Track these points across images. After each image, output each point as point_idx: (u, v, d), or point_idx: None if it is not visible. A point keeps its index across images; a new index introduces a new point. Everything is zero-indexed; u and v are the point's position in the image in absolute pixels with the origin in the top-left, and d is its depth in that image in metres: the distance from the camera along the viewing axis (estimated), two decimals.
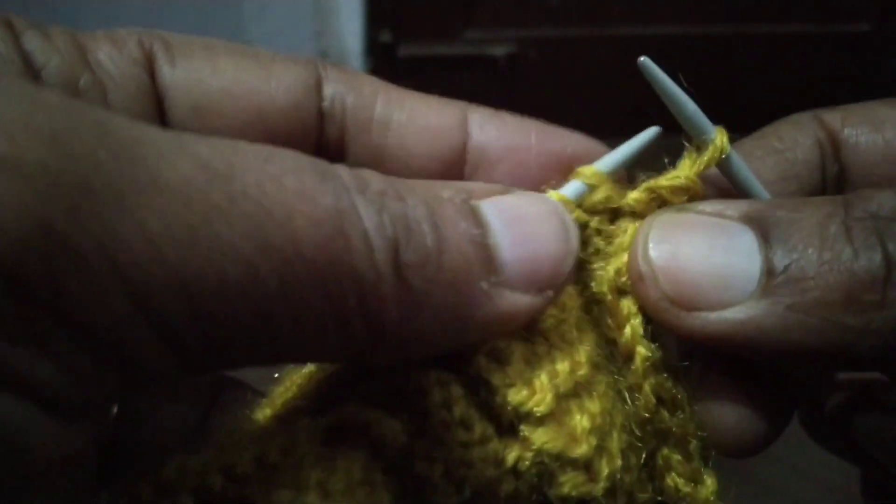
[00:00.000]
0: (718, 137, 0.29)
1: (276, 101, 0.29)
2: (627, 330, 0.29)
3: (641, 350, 0.29)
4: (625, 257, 0.29)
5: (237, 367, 0.21)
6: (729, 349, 0.28)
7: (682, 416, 0.29)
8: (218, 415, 0.29)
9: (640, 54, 0.28)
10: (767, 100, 2.05)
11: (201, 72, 0.28)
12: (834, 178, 0.33)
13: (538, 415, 0.25)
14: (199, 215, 0.17)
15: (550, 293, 0.25)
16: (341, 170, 0.21)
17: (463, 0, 1.88)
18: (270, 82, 0.29)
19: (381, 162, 0.30)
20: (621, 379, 0.29)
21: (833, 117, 0.33)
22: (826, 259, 0.26)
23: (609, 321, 0.29)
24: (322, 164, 0.21)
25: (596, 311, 0.29)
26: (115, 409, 0.28)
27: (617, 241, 0.30)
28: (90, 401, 0.18)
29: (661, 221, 0.29)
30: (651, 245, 0.28)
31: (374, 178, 0.21)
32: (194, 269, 0.17)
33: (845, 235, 0.26)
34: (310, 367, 0.27)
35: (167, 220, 0.17)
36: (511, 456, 0.25)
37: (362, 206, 0.20)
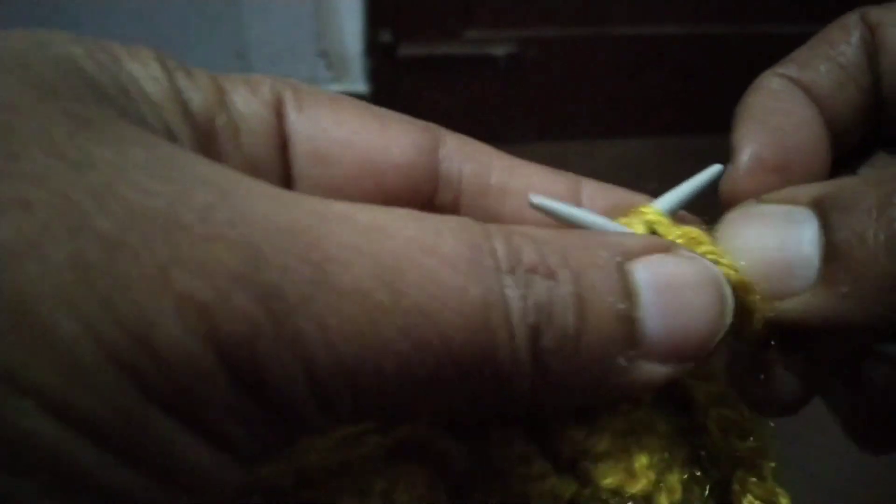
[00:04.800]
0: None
1: (393, 157, 0.29)
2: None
3: (696, 389, 0.29)
4: None
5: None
6: (795, 334, 0.28)
7: (752, 441, 0.29)
8: None
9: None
10: None
11: (325, 121, 0.29)
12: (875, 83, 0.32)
13: (597, 452, 0.25)
14: (367, 315, 0.19)
15: (692, 364, 0.24)
16: (499, 245, 0.21)
17: (463, 0, 1.88)
18: (389, 139, 0.30)
19: None
20: (684, 417, 0.29)
21: (877, 14, 0.33)
22: (882, 241, 0.25)
23: None
24: (480, 246, 0.21)
25: None
26: None
27: None
28: (262, 451, 0.20)
29: (732, 218, 0.29)
30: (728, 239, 0.28)
31: (527, 248, 0.22)
32: (359, 361, 0.19)
33: None
34: None
35: (342, 320, 0.19)
36: (569, 492, 0.25)
37: (510, 289, 0.21)
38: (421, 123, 0.31)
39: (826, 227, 0.26)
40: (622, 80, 2.02)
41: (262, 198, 0.19)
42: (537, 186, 0.31)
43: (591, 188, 0.32)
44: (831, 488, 1.11)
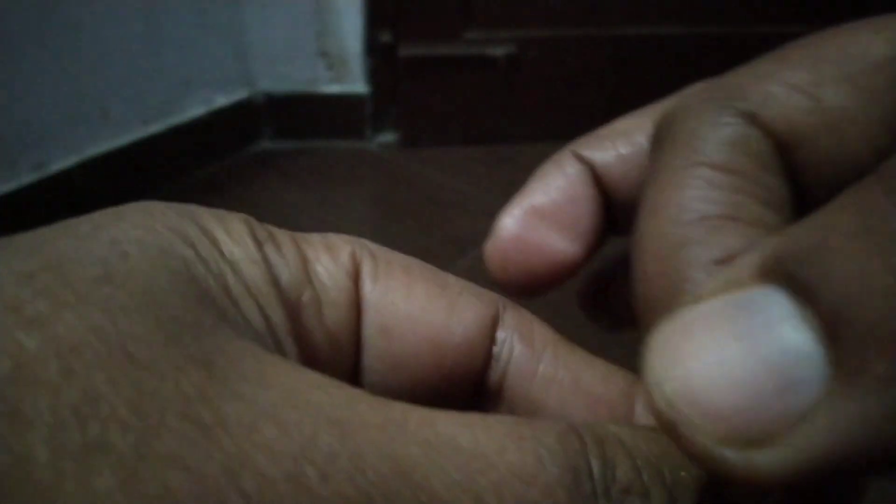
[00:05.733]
0: None
1: (454, 337, 0.29)
2: None
3: None
4: None
5: None
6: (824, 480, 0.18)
7: None
8: None
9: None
10: None
11: (396, 293, 0.28)
12: None
13: None
14: None
15: None
16: (594, 460, 0.19)
17: (463, 0, 1.88)
18: (453, 317, 0.29)
19: (537, 416, 0.29)
20: None
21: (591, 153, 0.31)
22: (890, 284, 0.15)
23: None
24: (580, 467, 0.19)
25: None
26: None
27: None
28: None
29: (664, 339, 0.19)
30: (659, 380, 0.18)
31: (622, 464, 0.20)
32: None
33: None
34: None
35: None
36: None
37: None
38: (485, 296, 0.29)
39: (804, 293, 0.16)
40: (622, 80, 2.02)
41: (373, 428, 0.18)
42: (588, 383, 0.29)
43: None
44: None
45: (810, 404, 0.15)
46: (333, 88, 1.94)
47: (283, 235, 0.27)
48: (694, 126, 0.22)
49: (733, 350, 0.17)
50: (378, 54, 1.91)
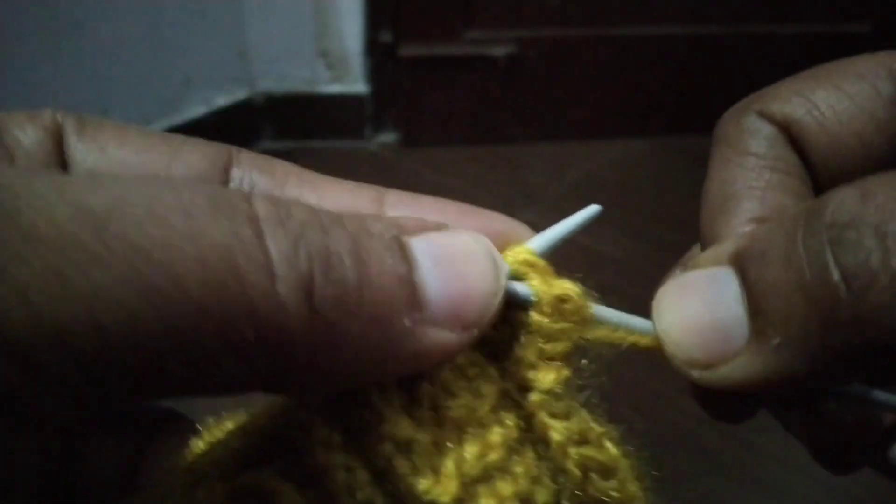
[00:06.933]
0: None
1: (179, 173, 0.29)
2: (536, 408, 0.28)
3: (553, 429, 0.28)
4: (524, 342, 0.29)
5: (137, 403, 0.22)
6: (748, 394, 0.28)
7: (616, 479, 0.29)
8: (155, 455, 0.29)
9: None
10: None
11: (107, 144, 0.29)
12: None
13: (443, 502, 0.25)
14: (73, 264, 0.18)
15: (475, 331, 0.25)
16: (261, 206, 0.21)
17: (463, 0, 1.88)
18: (175, 160, 0.29)
19: None
20: (546, 459, 0.28)
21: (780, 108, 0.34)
22: (793, 287, 0.25)
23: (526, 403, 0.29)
24: (224, 198, 0.20)
25: (517, 395, 0.29)
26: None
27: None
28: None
29: (660, 294, 0.29)
30: (657, 321, 0.29)
31: (298, 209, 0.21)
32: (67, 317, 0.18)
33: (805, 256, 0.24)
34: (234, 419, 0.27)
35: (38, 271, 0.17)
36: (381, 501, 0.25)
37: (271, 238, 0.20)
38: (215, 143, 0.30)
39: (745, 281, 0.26)
40: (622, 80, 2.02)
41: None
42: (335, 200, 0.30)
43: (395, 198, 0.31)
44: (831, 487, 1.11)
45: (738, 350, 0.26)
46: (333, 88, 1.94)
47: None
48: (742, 127, 0.33)
49: (699, 310, 0.28)
50: (378, 54, 1.91)
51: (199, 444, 0.27)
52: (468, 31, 1.91)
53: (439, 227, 0.25)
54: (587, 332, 0.29)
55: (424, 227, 0.25)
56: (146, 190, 0.19)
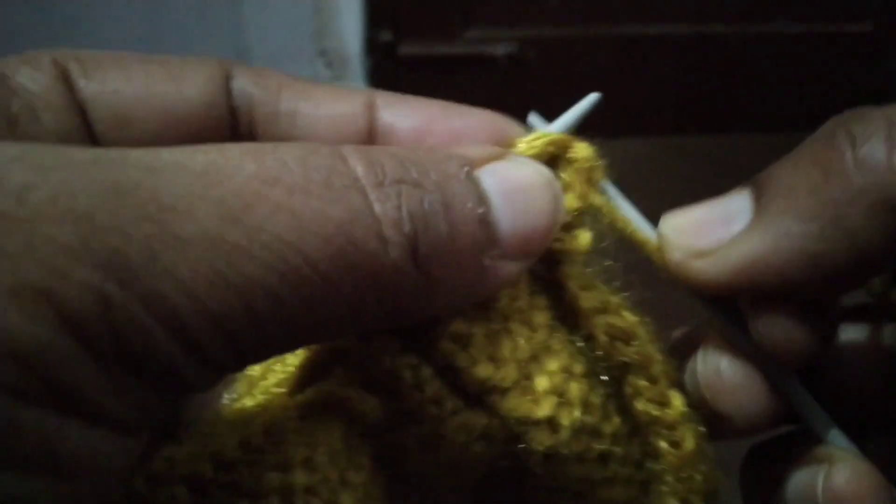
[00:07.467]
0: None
1: (189, 102, 0.30)
2: (566, 279, 0.30)
3: (582, 298, 0.30)
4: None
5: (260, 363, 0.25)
6: (747, 288, 0.29)
7: (637, 343, 0.30)
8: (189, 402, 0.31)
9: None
10: (767, 100, 2.06)
11: (115, 82, 0.29)
12: None
13: (503, 386, 0.27)
14: (224, 258, 0.19)
15: (536, 258, 0.27)
16: (357, 164, 0.22)
17: (463, 0, 1.88)
18: (182, 85, 0.30)
19: None
20: (576, 332, 0.31)
21: None
22: (803, 156, 0.28)
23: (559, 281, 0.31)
24: (333, 167, 0.22)
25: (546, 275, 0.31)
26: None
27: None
28: (143, 417, 0.20)
29: (671, 213, 0.31)
30: (665, 221, 0.31)
31: (389, 164, 0.23)
32: (226, 306, 0.19)
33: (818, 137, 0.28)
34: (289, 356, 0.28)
35: (195, 268, 0.19)
36: (480, 424, 0.27)
37: (378, 203, 0.22)
38: (209, 60, 0.31)
39: (751, 182, 0.29)
40: (622, 80, 2.02)
41: (83, 164, 0.19)
42: (328, 106, 0.31)
43: (385, 99, 0.32)
44: None
45: (739, 231, 0.28)
46: None
47: None
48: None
49: (704, 208, 0.30)
50: (378, 53, 1.91)
51: (251, 380, 0.28)
52: (468, 30, 1.91)
53: (501, 154, 0.27)
54: (596, 198, 0.31)
55: (488, 156, 0.26)
56: (266, 174, 0.21)
